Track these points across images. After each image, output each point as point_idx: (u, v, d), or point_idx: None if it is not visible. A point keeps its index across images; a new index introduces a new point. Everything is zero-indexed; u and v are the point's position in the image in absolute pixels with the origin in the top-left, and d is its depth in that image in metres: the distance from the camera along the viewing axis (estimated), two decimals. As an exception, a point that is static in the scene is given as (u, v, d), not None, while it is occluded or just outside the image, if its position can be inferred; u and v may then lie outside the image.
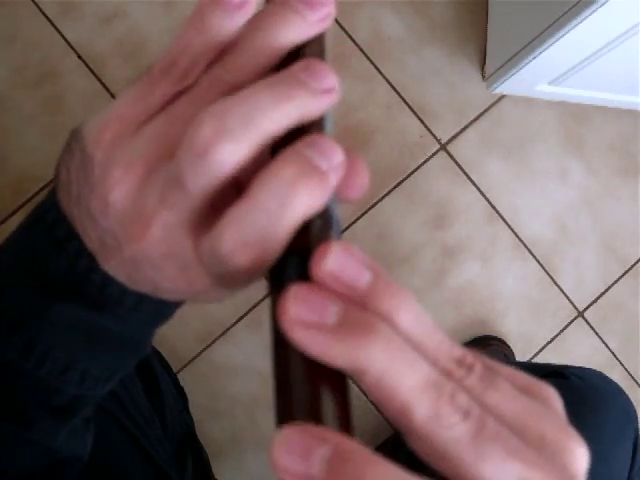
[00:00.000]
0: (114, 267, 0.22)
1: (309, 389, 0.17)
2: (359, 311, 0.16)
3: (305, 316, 0.16)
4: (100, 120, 0.21)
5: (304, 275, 0.18)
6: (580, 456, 0.17)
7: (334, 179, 0.18)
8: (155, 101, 0.21)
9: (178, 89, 0.21)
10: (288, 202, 0.17)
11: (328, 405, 0.16)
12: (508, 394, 0.17)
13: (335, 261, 0.17)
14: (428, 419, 0.16)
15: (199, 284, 0.21)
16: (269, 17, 0.20)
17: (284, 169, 0.18)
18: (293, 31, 0.20)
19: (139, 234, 0.20)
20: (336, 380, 0.17)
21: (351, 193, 0.20)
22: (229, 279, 0.20)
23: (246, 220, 0.18)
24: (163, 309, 0.25)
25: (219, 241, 0.18)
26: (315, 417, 0.16)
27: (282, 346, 0.17)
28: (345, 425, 0.16)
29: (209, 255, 0.19)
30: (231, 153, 0.18)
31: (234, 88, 0.20)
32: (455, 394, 0.16)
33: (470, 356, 0.18)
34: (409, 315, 0.17)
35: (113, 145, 0.21)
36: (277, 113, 0.18)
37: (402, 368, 0.16)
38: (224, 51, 0.21)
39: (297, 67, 0.19)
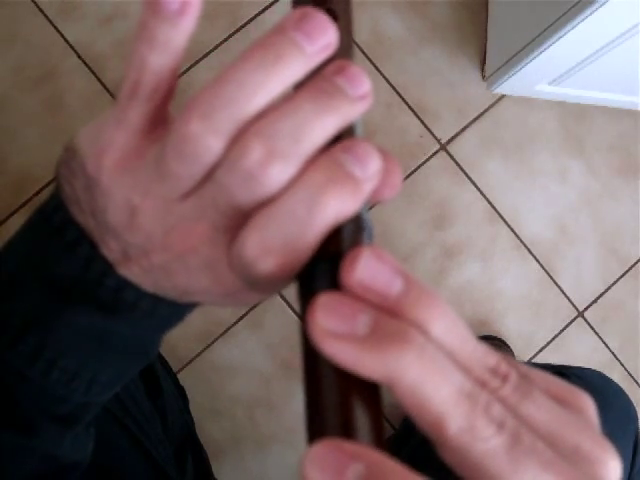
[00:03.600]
0: (136, 273, 0.22)
1: (341, 401, 0.16)
2: (391, 320, 0.16)
3: (335, 326, 0.16)
4: (94, 141, 0.21)
5: (334, 282, 0.17)
6: (613, 468, 0.17)
7: (369, 187, 0.18)
8: (135, 124, 0.20)
9: (151, 106, 0.20)
10: (316, 210, 0.17)
11: (361, 418, 0.16)
12: (543, 405, 0.17)
13: (365, 268, 0.16)
14: (462, 431, 0.15)
15: (233, 287, 0.21)
16: (262, 53, 0.18)
17: (314, 175, 0.17)
18: (289, 69, 0.18)
19: (177, 245, 0.20)
20: (369, 392, 0.16)
21: (384, 194, 0.19)
22: (259, 285, 0.19)
23: (271, 226, 0.17)
24: (177, 312, 0.25)
25: (242, 248, 0.18)
26: (348, 431, 0.16)
27: (312, 357, 0.17)
28: (378, 438, 0.16)
29: (235, 261, 0.19)
30: (282, 172, 0.17)
31: (231, 119, 0.18)
32: (489, 405, 0.16)
33: (505, 364, 0.17)
34: (442, 323, 0.16)
35: (117, 170, 0.20)
36: (321, 125, 0.18)
37: (436, 378, 0.15)
38: (216, 84, 0.19)
39: (331, 71, 0.18)
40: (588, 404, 0.18)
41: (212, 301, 0.23)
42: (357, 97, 0.18)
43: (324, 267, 0.18)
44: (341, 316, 0.16)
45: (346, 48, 0.20)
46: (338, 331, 0.16)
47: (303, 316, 0.17)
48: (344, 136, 0.19)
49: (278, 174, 0.17)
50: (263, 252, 0.18)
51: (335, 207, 0.17)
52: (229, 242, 0.20)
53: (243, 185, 0.18)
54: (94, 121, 0.22)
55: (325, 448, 0.14)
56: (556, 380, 0.18)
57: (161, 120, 0.21)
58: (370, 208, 0.98)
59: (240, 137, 0.18)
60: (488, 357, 0.17)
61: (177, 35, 0.19)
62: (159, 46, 0.19)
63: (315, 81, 0.18)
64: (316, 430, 0.16)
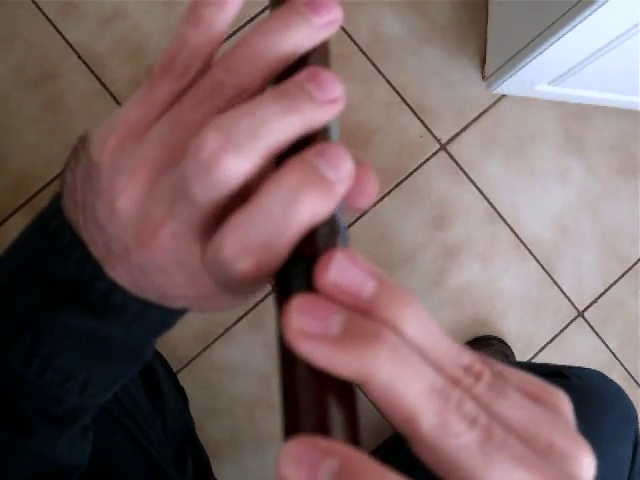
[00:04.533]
0: (120, 274, 0.22)
1: (316, 400, 0.16)
2: (363, 319, 0.16)
3: (308, 327, 0.16)
4: (106, 126, 0.21)
5: (310, 283, 0.17)
6: (587, 464, 0.17)
7: (342, 189, 0.18)
8: (158, 101, 0.21)
9: (180, 86, 0.21)
10: (292, 210, 0.17)
11: (335, 416, 0.16)
12: (516, 402, 0.17)
13: (338, 270, 0.17)
14: (434, 427, 0.16)
15: (207, 291, 0.21)
16: (275, 21, 0.20)
17: (289, 176, 0.17)
18: (298, 35, 0.20)
19: (147, 241, 0.20)
20: (343, 390, 0.17)
21: (360, 202, 0.20)
22: (234, 286, 0.20)
23: (248, 226, 0.18)
24: (167, 317, 0.25)
25: (221, 247, 0.18)
26: (322, 429, 0.16)
27: (288, 357, 0.17)
28: (352, 436, 0.16)
29: (212, 261, 0.19)
30: (237, 166, 0.18)
31: (237, 92, 0.20)
32: (462, 402, 0.16)
33: (479, 363, 0.17)
34: (415, 322, 0.17)
35: (118, 151, 0.20)
36: (283, 125, 0.18)
37: (408, 376, 0.16)
38: (227, 54, 0.20)
39: (302, 76, 0.19)
40: (563, 401, 0.18)
41: (191, 305, 0.23)
42: (325, 100, 0.19)
43: (300, 269, 0.18)
44: (314, 317, 0.16)
45: (323, 54, 0.21)
46: (311, 331, 0.16)
47: (279, 317, 0.17)
48: (318, 138, 0.19)
49: (232, 167, 0.18)
50: (241, 251, 0.18)
51: (310, 208, 0.17)
52: (199, 242, 0.20)
53: (198, 176, 0.18)
54: (111, 115, 0.22)
55: (299, 445, 0.14)
56: (531, 378, 0.19)
57: None
58: (369, 209, 0.98)
59: (201, 129, 0.18)
60: (461, 355, 0.17)
61: (222, 16, 0.20)
62: (203, 25, 0.20)
63: (284, 84, 0.19)
64: (291, 428, 0.16)
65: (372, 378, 0.16)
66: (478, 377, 0.17)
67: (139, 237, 0.20)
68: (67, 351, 0.24)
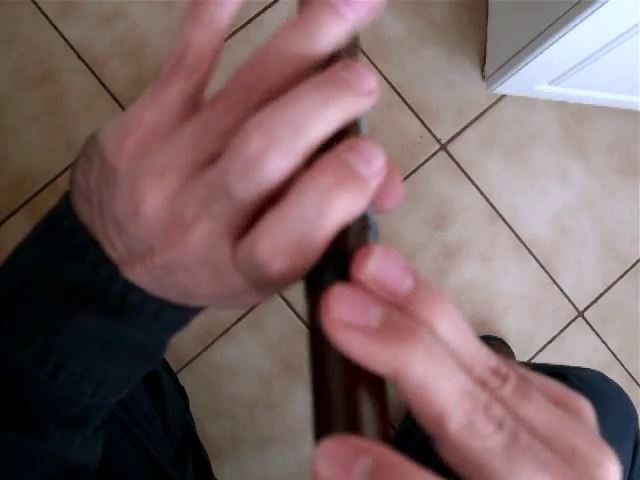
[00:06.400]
0: (140, 274, 0.22)
1: (348, 395, 0.16)
2: (401, 315, 0.16)
3: (348, 317, 0.16)
4: (118, 127, 0.21)
5: (342, 279, 0.17)
6: (611, 470, 0.17)
7: (375, 184, 0.18)
8: (171, 101, 0.21)
9: (191, 85, 0.21)
10: (327, 210, 0.17)
11: (367, 413, 0.16)
12: (541, 406, 0.17)
13: (377, 264, 0.17)
14: (462, 428, 0.16)
15: (236, 289, 0.21)
16: (303, 22, 0.19)
17: (323, 176, 0.17)
18: (329, 34, 0.19)
19: (176, 241, 0.20)
20: (376, 387, 0.17)
21: (386, 204, 0.20)
22: (267, 285, 0.19)
23: (283, 228, 0.18)
24: (183, 316, 0.25)
25: (255, 248, 0.18)
26: (355, 426, 0.16)
27: (320, 352, 0.17)
28: (384, 434, 0.16)
29: (245, 262, 0.19)
30: (281, 163, 0.17)
31: (268, 94, 0.19)
32: (489, 405, 0.16)
33: (505, 366, 0.17)
34: (448, 322, 0.17)
35: (139, 153, 0.20)
36: (325, 117, 0.18)
37: (440, 376, 0.16)
38: (255, 57, 0.20)
39: (337, 67, 0.19)
40: (586, 407, 0.18)
41: (214, 303, 0.23)
42: (362, 92, 0.19)
43: (332, 265, 0.18)
44: (355, 307, 0.16)
45: (352, 50, 0.21)
46: (351, 321, 0.16)
47: (311, 313, 0.17)
48: (350, 133, 0.19)
49: (276, 165, 0.17)
50: (276, 254, 0.18)
51: (344, 207, 0.17)
52: (231, 242, 0.20)
53: (241, 173, 0.18)
54: (119, 115, 0.22)
55: (334, 443, 0.15)
56: (554, 383, 0.19)
57: (194, 106, 0.21)
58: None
59: (243, 126, 0.18)
60: (490, 358, 0.17)
61: (221, 13, 0.20)
62: (204, 23, 0.20)
63: (321, 75, 0.19)
64: (324, 426, 0.16)
65: (405, 375, 0.16)
66: (504, 380, 0.17)
67: (168, 237, 0.20)
68: (80, 353, 0.24)
